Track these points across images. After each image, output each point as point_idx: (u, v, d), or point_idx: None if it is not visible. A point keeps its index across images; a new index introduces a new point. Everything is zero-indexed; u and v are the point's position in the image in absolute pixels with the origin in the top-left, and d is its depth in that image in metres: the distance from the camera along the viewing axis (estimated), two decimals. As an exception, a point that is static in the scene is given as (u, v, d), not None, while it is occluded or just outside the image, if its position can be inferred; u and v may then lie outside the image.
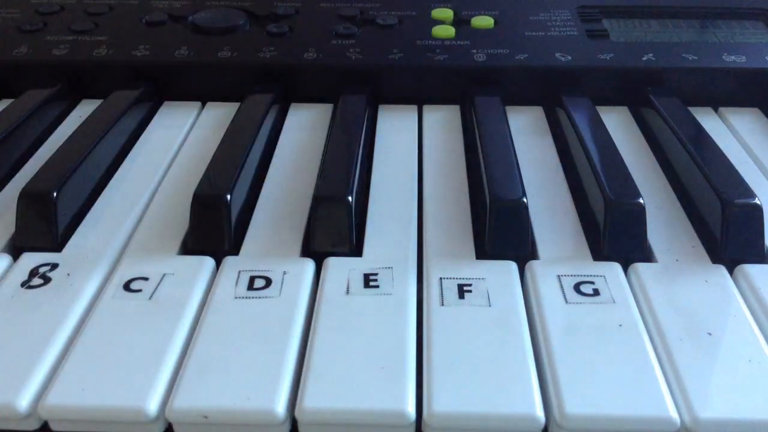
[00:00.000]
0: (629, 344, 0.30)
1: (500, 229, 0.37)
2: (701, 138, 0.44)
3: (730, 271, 0.36)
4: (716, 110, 0.53)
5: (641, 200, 0.37)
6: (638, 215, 0.36)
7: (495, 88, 0.52)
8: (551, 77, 0.52)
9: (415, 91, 0.53)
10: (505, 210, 0.37)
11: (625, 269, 0.36)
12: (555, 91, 0.52)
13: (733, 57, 0.53)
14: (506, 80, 0.53)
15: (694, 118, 0.46)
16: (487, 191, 0.38)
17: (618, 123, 0.50)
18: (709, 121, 0.50)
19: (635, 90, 0.52)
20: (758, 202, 0.36)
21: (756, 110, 0.52)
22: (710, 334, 0.32)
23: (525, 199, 0.37)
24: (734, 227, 0.36)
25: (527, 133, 0.50)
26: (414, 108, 0.53)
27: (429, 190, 0.42)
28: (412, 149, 0.47)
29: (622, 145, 0.46)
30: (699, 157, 0.41)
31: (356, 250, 0.37)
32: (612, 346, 0.30)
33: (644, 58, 0.52)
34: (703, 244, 0.38)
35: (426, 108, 0.53)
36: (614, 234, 0.37)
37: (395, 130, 0.50)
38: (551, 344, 0.30)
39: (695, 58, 0.52)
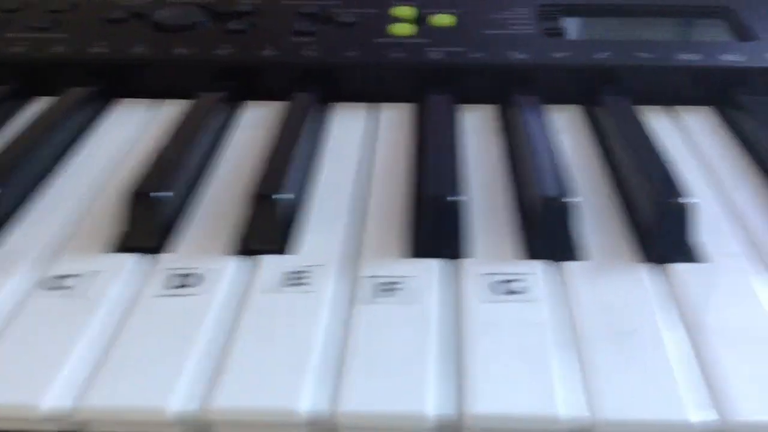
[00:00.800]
0: (540, 343, 0.30)
1: (431, 228, 0.37)
2: (642, 137, 0.43)
3: (661, 270, 0.35)
4: (671, 109, 0.52)
5: (574, 199, 0.37)
6: (570, 213, 0.37)
7: (450, 86, 0.52)
8: (505, 76, 0.52)
9: (372, 89, 0.53)
10: (437, 208, 0.37)
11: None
12: (509, 90, 0.51)
13: (689, 55, 0.52)
14: (462, 78, 0.53)
15: (637, 117, 0.46)
16: (421, 190, 0.38)
17: (569, 122, 0.50)
18: (661, 120, 0.50)
19: (590, 89, 0.52)
20: (687, 201, 0.36)
21: (710, 109, 0.52)
22: (631, 332, 0.32)
23: (457, 198, 0.37)
24: (664, 226, 0.36)
25: (479, 131, 0.50)
26: (370, 106, 0.53)
27: (376, 189, 0.43)
28: (363, 147, 0.47)
29: (569, 144, 0.46)
30: (636, 156, 0.41)
31: (291, 249, 0.37)
32: (523, 344, 0.30)
33: (599, 56, 0.52)
34: (636, 243, 0.38)
35: (383, 106, 0.53)
36: (546, 232, 0.37)
37: (347, 129, 0.50)
38: (465, 343, 0.30)
39: (651, 56, 0.52)
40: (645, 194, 0.37)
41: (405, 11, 0.59)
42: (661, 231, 0.36)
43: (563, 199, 0.37)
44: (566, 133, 0.48)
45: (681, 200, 0.36)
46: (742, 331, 0.32)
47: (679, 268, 0.35)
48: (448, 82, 0.53)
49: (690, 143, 0.48)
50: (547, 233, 0.37)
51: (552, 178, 0.39)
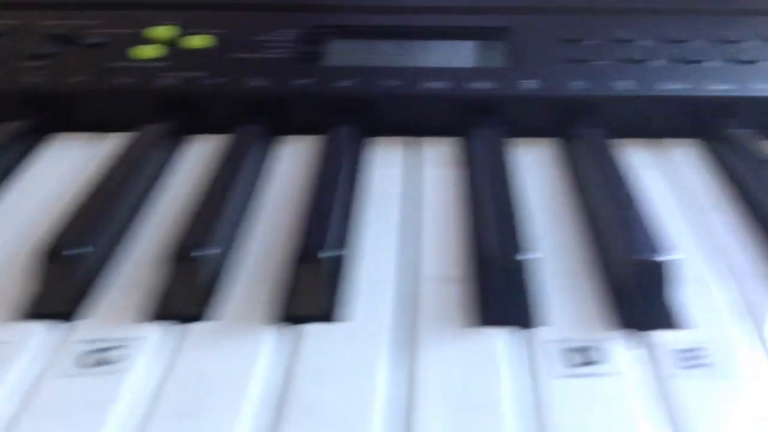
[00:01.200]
0: None
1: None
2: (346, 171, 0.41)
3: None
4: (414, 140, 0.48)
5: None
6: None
7: (183, 113, 0.48)
8: (238, 104, 0.48)
9: (99, 116, 0.49)
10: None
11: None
12: (245, 119, 0.48)
13: (438, 83, 0.48)
14: (195, 105, 0.49)
15: (358, 149, 0.44)
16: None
17: (299, 153, 0.47)
18: (396, 153, 0.47)
19: (326, 119, 0.48)
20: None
21: (451, 140, 0.48)
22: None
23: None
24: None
25: (203, 163, 0.46)
26: (91, 136, 0.49)
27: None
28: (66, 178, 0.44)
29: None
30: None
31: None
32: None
33: (342, 84, 0.48)
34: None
35: (109, 136, 0.49)
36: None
37: (62, 159, 0.46)
38: None
39: (396, 83, 0.48)
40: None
41: (161, 32, 0.55)
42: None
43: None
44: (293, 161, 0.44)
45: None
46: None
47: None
48: (181, 109, 0.49)
49: (414, 174, 0.44)
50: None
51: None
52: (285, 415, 0.28)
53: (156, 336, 0.32)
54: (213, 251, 0.35)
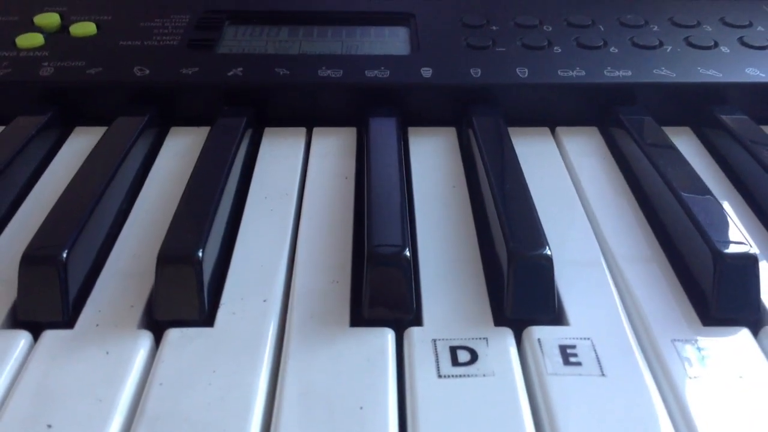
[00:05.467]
0: None
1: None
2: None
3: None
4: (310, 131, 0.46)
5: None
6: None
7: (60, 105, 0.45)
8: (121, 93, 0.46)
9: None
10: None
11: None
12: (127, 110, 0.45)
13: (330, 71, 0.46)
14: (76, 97, 0.46)
15: (236, 137, 0.41)
16: None
17: (187, 144, 0.45)
18: (294, 143, 0.45)
19: (216, 108, 0.45)
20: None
21: (350, 130, 0.46)
22: None
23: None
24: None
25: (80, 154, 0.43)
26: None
27: None
28: None
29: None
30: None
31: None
32: None
33: (229, 74, 0.46)
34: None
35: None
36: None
37: None
38: None
39: (287, 72, 0.46)
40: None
41: (48, 19, 0.52)
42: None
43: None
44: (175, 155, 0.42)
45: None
46: None
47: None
48: (59, 100, 0.46)
49: (304, 166, 0.42)
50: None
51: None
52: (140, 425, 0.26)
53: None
54: (69, 252, 0.32)
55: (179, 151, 0.44)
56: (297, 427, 0.26)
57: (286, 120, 0.46)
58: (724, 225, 0.34)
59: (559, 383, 0.28)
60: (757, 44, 0.49)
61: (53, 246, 0.32)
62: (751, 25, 0.52)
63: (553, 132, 0.46)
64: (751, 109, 0.45)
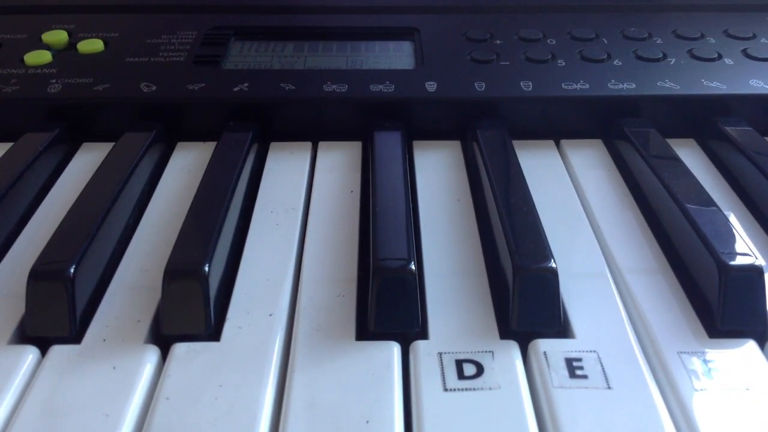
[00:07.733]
0: None
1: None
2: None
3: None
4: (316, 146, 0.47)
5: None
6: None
7: (70, 122, 0.46)
8: (129, 109, 0.46)
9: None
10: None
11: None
12: (135, 126, 0.45)
13: (335, 86, 0.47)
14: (83, 113, 0.46)
15: (238, 153, 0.42)
16: None
17: (198, 158, 0.45)
18: (288, 157, 0.45)
19: (222, 123, 0.46)
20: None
21: (354, 144, 0.46)
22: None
23: None
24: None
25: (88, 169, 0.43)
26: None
27: None
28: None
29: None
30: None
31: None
32: None
33: (235, 89, 0.46)
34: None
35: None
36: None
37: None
38: None
39: (293, 87, 0.46)
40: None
41: (56, 36, 0.52)
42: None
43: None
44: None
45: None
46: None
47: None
48: (67, 117, 0.46)
49: (310, 180, 0.42)
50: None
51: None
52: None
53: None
54: (77, 268, 0.32)
55: (186, 166, 0.44)
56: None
57: (291, 134, 0.46)
58: (730, 237, 0.34)
59: (565, 396, 0.28)
60: (760, 56, 0.49)
61: (61, 262, 0.32)
62: (754, 36, 0.52)
63: (557, 145, 0.46)
64: (755, 120, 0.45)
